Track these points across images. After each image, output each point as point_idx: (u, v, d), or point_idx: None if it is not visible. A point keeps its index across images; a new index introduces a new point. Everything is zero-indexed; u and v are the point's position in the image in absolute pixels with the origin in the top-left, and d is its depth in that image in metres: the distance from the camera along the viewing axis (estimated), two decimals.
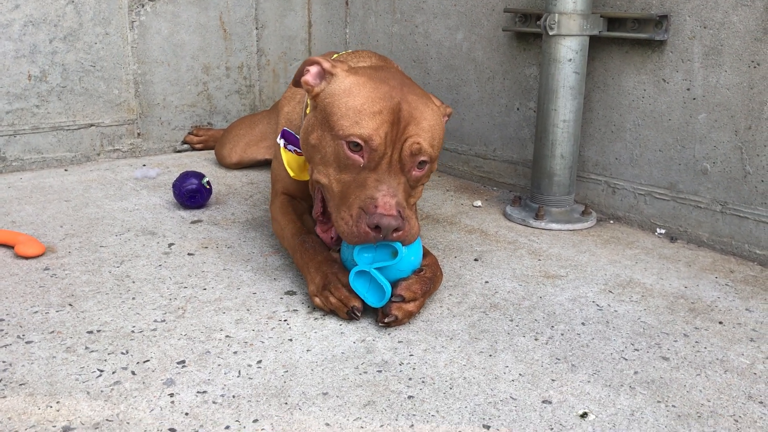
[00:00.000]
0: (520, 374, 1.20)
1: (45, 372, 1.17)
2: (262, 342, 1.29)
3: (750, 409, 1.12)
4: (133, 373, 1.17)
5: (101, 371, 1.17)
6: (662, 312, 1.46)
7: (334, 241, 1.47)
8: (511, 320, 1.41)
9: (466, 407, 1.10)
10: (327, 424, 1.04)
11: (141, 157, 2.71)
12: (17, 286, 1.50)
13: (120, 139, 2.67)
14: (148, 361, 1.21)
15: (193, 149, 2.86)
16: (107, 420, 1.04)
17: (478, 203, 2.22)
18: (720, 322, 1.42)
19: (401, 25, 2.69)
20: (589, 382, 1.19)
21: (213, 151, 2.79)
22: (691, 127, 1.86)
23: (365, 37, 2.87)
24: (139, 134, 2.72)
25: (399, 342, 1.30)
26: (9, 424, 1.02)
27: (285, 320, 1.38)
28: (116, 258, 1.68)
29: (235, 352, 1.25)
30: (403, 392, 1.13)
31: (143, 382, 1.14)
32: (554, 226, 1.99)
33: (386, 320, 1.34)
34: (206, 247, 1.76)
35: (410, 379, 1.18)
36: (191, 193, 2.03)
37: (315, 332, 1.33)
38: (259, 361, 1.22)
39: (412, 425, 1.05)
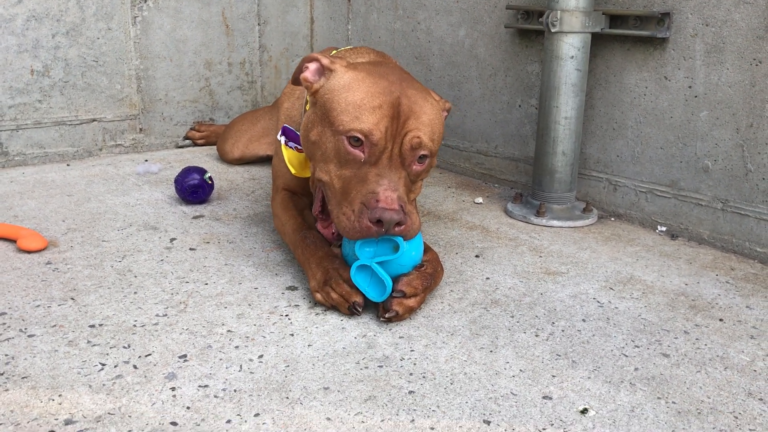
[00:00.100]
0: (520, 370, 1.21)
1: (47, 365, 1.17)
2: (264, 337, 1.29)
3: (750, 405, 1.12)
4: (134, 366, 1.18)
5: (103, 365, 1.18)
6: (663, 309, 1.47)
7: (335, 236, 1.47)
8: (512, 316, 1.41)
9: (466, 402, 1.10)
10: (328, 419, 1.05)
11: (143, 153, 2.71)
12: (19, 280, 1.51)
13: (122, 134, 2.67)
14: (149, 355, 1.22)
15: (195, 145, 2.86)
16: (109, 413, 1.04)
17: (480, 200, 2.23)
18: (720, 320, 1.43)
19: (403, 21, 2.69)
20: (589, 378, 1.19)
21: (215, 147, 2.79)
22: (692, 125, 1.87)
23: (367, 33, 2.87)
24: (141, 129, 2.72)
25: (400, 337, 1.31)
26: (11, 417, 1.03)
27: (286, 315, 1.38)
28: (118, 252, 1.68)
29: (236, 347, 1.25)
30: (404, 387, 1.14)
31: (145, 376, 1.15)
32: (555, 223, 1.99)
33: (387, 315, 1.34)
34: (208, 242, 1.77)
35: (411, 374, 1.18)
36: (193, 189, 2.03)
37: (316, 327, 1.33)
38: (261, 356, 1.22)
39: (413, 420, 1.05)
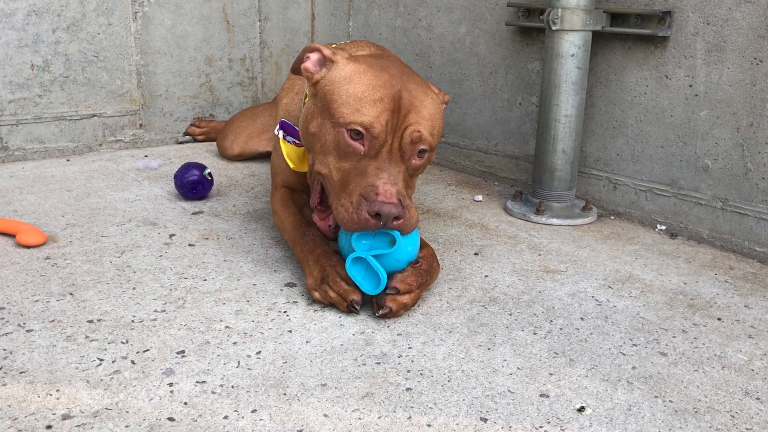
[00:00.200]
0: (518, 368, 1.21)
1: (45, 360, 1.17)
2: (262, 333, 1.29)
3: (747, 404, 1.12)
4: (132, 362, 1.18)
5: (101, 360, 1.18)
6: (661, 308, 1.47)
7: (331, 228, 1.47)
8: (510, 314, 1.41)
9: (463, 400, 1.10)
10: (325, 415, 1.05)
11: (143, 148, 2.71)
12: (18, 274, 1.51)
13: (122, 129, 2.67)
14: (147, 350, 1.22)
15: (195, 141, 2.86)
16: (106, 408, 1.04)
17: (479, 198, 2.23)
18: (719, 319, 1.43)
19: (404, 18, 2.69)
20: (586, 376, 1.19)
21: (215, 143, 2.79)
22: (692, 124, 1.86)
23: (368, 30, 2.87)
24: (141, 125, 2.72)
25: (398, 334, 1.31)
26: (9, 412, 1.03)
27: (285, 312, 1.38)
28: (117, 248, 1.68)
29: (234, 343, 1.25)
30: (402, 384, 1.14)
31: (143, 372, 1.15)
32: (555, 221, 1.99)
33: (380, 312, 1.34)
34: (207, 239, 1.77)
35: (409, 371, 1.18)
36: (193, 185, 2.03)
37: (314, 324, 1.34)
38: (259, 352, 1.22)
39: (410, 417, 1.05)
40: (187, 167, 2.04)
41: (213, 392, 1.10)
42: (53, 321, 1.31)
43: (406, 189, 1.38)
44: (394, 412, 1.07)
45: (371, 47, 1.76)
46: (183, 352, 1.22)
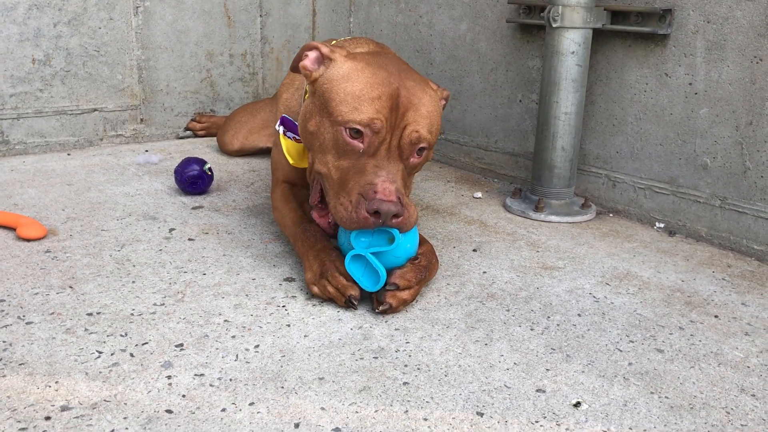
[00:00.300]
0: (514, 363, 1.21)
1: (44, 352, 1.18)
2: (260, 327, 1.30)
3: (742, 401, 1.13)
4: (131, 355, 1.18)
5: (100, 353, 1.19)
6: (658, 305, 1.47)
7: (331, 225, 1.47)
8: (508, 310, 1.42)
9: (460, 394, 1.11)
10: (322, 408, 1.06)
11: (143, 143, 2.72)
12: (18, 267, 1.51)
13: (123, 124, 2.68)
14: (146, 343, 1.22)
15: (196, 136, 2.86)
16: (105, 400, 1.05)
17: (479, 194, 2.23)
18: (716, 316, 1.43)
19: (405, 14, 2.69)
20: (583, 372, 1.20)
21: (215, 138, 2.79)
22: (692, 122, 1.87)
23: (369, 26, 2.87)
24: (141, 120, 2.72)
25: (396, 329, 1.31)
26: (8, 403, 1.03)
27: (283, 306, 1.39)
28: (117, 242, 1.69)
29: (233, 337, 1.26)
30: (399, 378, 1.15)
31: (141, 364, 1.15)
32: (554, 218, 2.00)
33: (381, 308, 1.35)
34: (207, 233, 1.77)
35: (406, 365, 1.19)
36: (193, 179, 2.03)
37: (313, 318, 1.34)
38: (257, 346, 1.23)
39: (407, 411, 1.06)
40: (188, 162, 2.05)
41: (211, 385, 1.10)
42: (53, 313, 1.31)
43: (404, 187, 1.39)
44: (391, 405, 1.07)
45: (370, 44, 1.76)
46: (182, 345, 1.22)
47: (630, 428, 1.04)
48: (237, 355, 1.19)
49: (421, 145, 1.39)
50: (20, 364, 1.14)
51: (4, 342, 1.21)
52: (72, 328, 1.26)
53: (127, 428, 0.99)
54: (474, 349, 1.26)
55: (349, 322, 1.33)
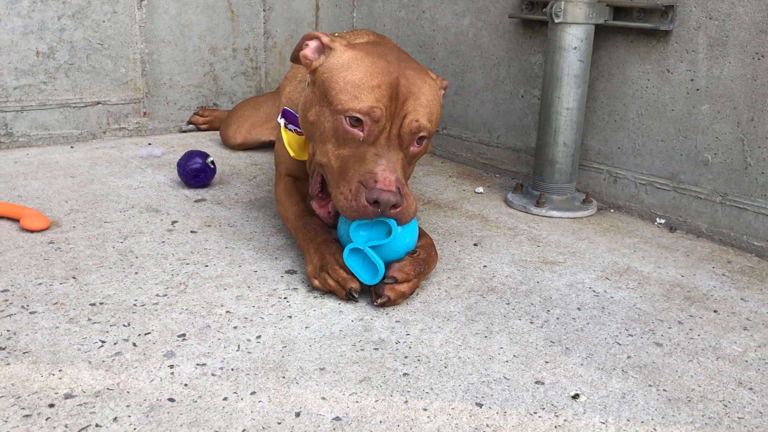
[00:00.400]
0: (514, 355, 1.22)
1: (48, 341, 1.19)
2: (262, 318, 1.31)
3: (739, 394, 1.14)
4: (134, 344, 1.20)
5: (103, 342, 1.20)
6: (658, 299, 1.48)
7: (331, 215, 1.48)
8: (508, 303, 1.43)
9: (459, 385, 1.12)
10: (323, 398, 1.07)
11: (146, 136, 2.73)
12: (22, 258, 1.53)
13: (126, 117, 2.69)
14: (149, 333, 1.23)
15: (199, 129, 2.87)
16: (108, 389, 1.06)
17: (480, 189, 2.24)
18: (715, 311, 1.44)
19: (408, 9, 2.69)
20: (582, 364, 1.20)
21: (218, 132, 2.80)
22: (693, 118, 1.87)
23: (372, 21, 2.88)
24: (145, 113, 2.73)
25: (396, 321, 1.32)
26: (12, 390, 1.05)
27: (285, 298, 1.40)
28: (120, 234, 1.70)
29: (235, 327, 1.27)
30: (399, 369, 1.15)
31: (144, 354, 1.17)
32: (555, 213, 2.00)
33: (379, 301, 1.35)
34: (209, 226, 1.78)
35: (406, 357, 1.20)
36: (195, 172, 2.04)
37: (314, 310, 1.35)
38: (259, 337, 1.24)
39: (407, 401, 1.07)
40: (190, 155, 2.05)
41: (213, 374, 1.11)
42: (56, 303, 1.33)
43: (404, 176, 1.39)
44: (391, 396, 1.08)
45: (370, 35, 1.77)
46: (184, 335, 1.23)
47: (628, 420, 1.05)
48: (239, 346, 1.20)
49: (421, 134, 1.40)
50: (24, 353, 1.15)
51: (8, 331, 1.22)
52: (75, 318, 1.27)
53: (129, 416, 1.00)
54: (474, 341, 1.26)
55: (350, 314, 1.34)
